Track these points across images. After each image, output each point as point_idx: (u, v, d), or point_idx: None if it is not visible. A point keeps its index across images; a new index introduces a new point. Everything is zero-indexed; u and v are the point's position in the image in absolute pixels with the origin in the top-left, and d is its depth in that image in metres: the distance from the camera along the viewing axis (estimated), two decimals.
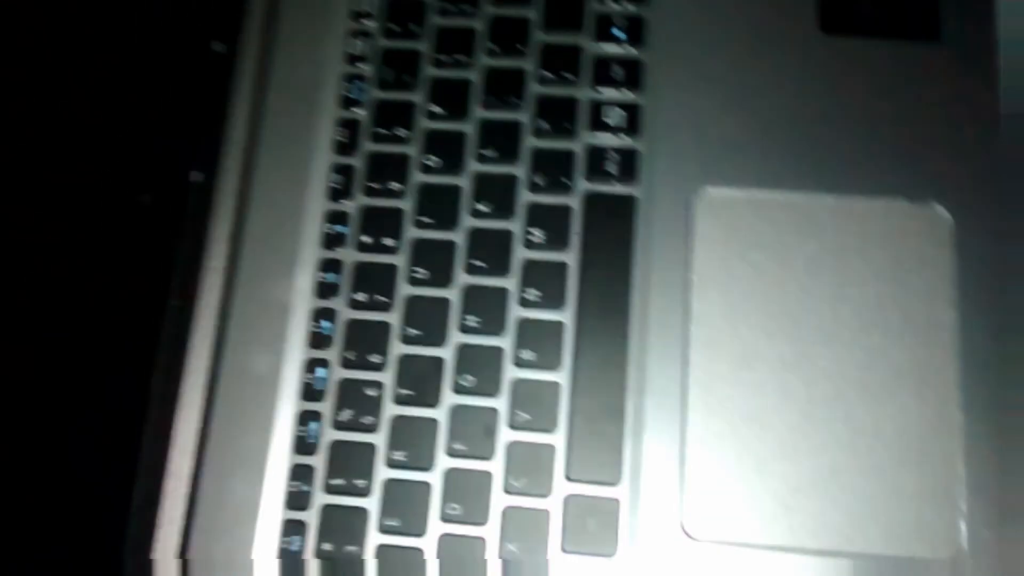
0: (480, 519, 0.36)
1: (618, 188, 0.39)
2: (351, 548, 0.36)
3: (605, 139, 0.40)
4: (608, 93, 0.40)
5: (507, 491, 0.36)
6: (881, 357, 0.36)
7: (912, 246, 0.37)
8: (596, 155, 0.40)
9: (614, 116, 0.40)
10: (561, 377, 0.37)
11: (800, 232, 0.38)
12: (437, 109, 0.41)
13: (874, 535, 0.35)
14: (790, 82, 0.40)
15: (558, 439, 0.37)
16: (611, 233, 0.39)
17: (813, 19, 0.41)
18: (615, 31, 0.41)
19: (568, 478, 0.36)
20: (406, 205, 0.40)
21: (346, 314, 0.39)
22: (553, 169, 0.39)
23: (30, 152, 0.40)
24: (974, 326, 0.37)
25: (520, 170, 0.40)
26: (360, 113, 0.41)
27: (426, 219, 0.39)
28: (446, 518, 0.36)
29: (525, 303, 0.38)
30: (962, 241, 0.37)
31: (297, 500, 0.37)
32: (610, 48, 0.41)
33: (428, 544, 0.36)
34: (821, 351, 0.37)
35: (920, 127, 0.39)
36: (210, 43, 0.42)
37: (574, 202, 0.39)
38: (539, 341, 0.38)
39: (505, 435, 0.37)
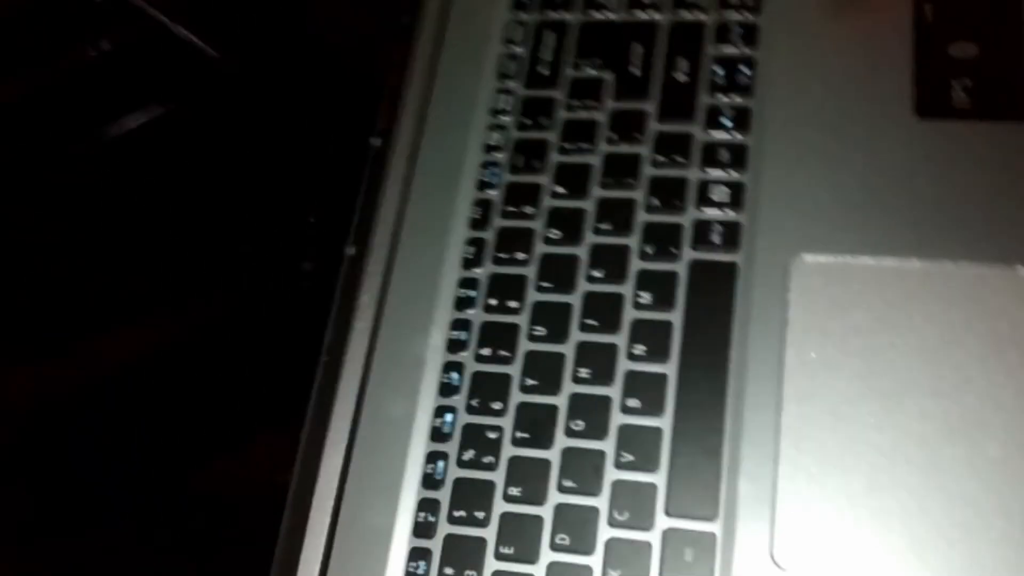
0: (587, 549, 0.39)
1: (721, 256, 0.43)
2: (470, 573, 0.40)
3: (710, 213, 0.44)
4: (714, 173, 0.45)
5: (611, 524, 0.39)
6: (965, 411, 0.38)
7: (999, 306, 0.39)
8: (702, 227, 0.44)
9: (719, 193, 0.44)
10: (663, 423, 0.41)
11: (890, 294, 0.40)
12: (560, 189, 0.46)
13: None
14: (884, 161, 0.43)
15: (659, 478, 0.40)
16: (713, 295, 0.42)
17: (909, 105, 0.44)
18: (723, 120, 0.45)
19: (667, 513, 0.39)
20: (529, 272, 0.45)
21: (472, 367, 0.44)
22: (662, 240, 0.44)
23: (222, 227, 0.48)
24: None
25: (632, 240, 0.44)
26: (493, 194, 0.47)
27: (546, 284, 0.44)
28: (556, 547, 0.40)
29: (633, 357, 0.42)
30: None
31: (423, 529, 0.41)
32: (718, 135, 0.45)
33: (539, 571, 0.39)
34: (908, 404, 0.39)
35: (1009, 197, 0.41)
36: (369, 139, 0.49)
37: (680, 268, 0.43)
38: (644, 391, 0.41)
39: (611, 474, 0.40)
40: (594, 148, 0.46)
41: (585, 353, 0.43)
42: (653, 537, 0.39)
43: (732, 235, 0.43)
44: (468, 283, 0.45)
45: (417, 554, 0.41)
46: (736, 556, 0.38)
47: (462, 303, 0.45)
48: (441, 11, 0.51)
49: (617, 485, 0.40)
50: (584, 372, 0.42)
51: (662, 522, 0.39)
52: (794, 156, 0.44)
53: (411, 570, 0.41)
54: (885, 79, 0.45)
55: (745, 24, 0.48)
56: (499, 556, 0.40)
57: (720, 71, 0.47)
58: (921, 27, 0.45)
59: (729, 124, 0.45)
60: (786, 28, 0.47)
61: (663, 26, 0.49)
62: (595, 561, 0.39)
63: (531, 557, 0.40)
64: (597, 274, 0.44)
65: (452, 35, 0.51)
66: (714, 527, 0.39)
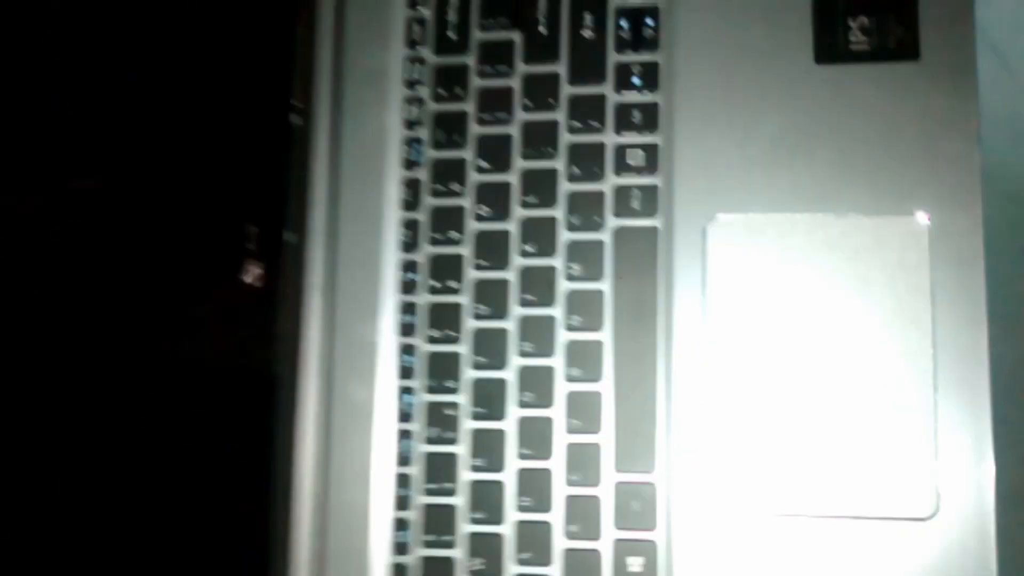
0: (546, 507, 0.45)
1: (641, 221, 0.46)
2: (447, 538, 0.46)
3: (628, 179, 0.46)
4: (629, 137, 0.47)
5: (568, 483, 0.45)
6: (870, 348, 0.43)
7: (897, 251, 0.43)
8: (622, 193, 0.46)
9: (635, 157, 0.46)
10: (604, 387, 0.45)
11: (799, 247, 0.44)
12: (484, 164, 0.48)
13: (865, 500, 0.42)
14: (787, 113, 0.45)
15: (606, 438, 0.45)
16: (638, 261, 0.46)
17: (809, 53, 0.46)
18: (633, 79, 0.47)
19: (616, 469, 0.45)
20: (465, 251, 0.47)
21: (424, 348, 0.47)
22: (586, 209, 0.46)
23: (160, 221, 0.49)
24: (947, 319, 0.43)
25: (559, 212, 0.47)
26: (420, 173, 0.49)
27: (483, 262, 0.47)
28: (520, 508, 0.45)
29: (570, 327, 0.46)
30: (938, 245, 0.43)
31: (403, 503, 0.46)
32: (629, 95, 0.47)
33: (507, 530, 0.45)
34: (820, 346, 0.43)
35: (904, 143, 0.44)
36: (288, 117, 0.49)
37: (606, 236, 0.46)
38: (584, 359, 0.45)
39: (562, 438, 0.45)
40: (511, 117, 0.48)
41: (527, 327, 0.46)
42: (603, 492, 0.45)
43: (650, 199, 0.46)
44: (409, 266, 0.48)
45: (400, 524, 0.46)
46: (676, 503, 0.44)
47: (406, 286, 0.48)
48: None
49: (569, 448, 0.45)
50: (528, 346, 0.46)
51: (610, 477, 0.45)
52: (703, 114, 0.46)
53: (397, 539, 0.46)
54: (785, 26, 0.46)
55: None
56: (472, 520, 0.46)
57: (625, 25, 0.48)
58: None
59: (639, 83, 0.47)
60: None
61: None
62: (556, 517, 0.45)
63: (498, 519, 0.45)
64: (529, 248, 0.47)
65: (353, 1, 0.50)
66: (654, 478, 0.44)
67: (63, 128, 0.52)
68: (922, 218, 0.43)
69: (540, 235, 0.47)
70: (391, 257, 0.48)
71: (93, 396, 0.51)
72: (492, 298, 0.47)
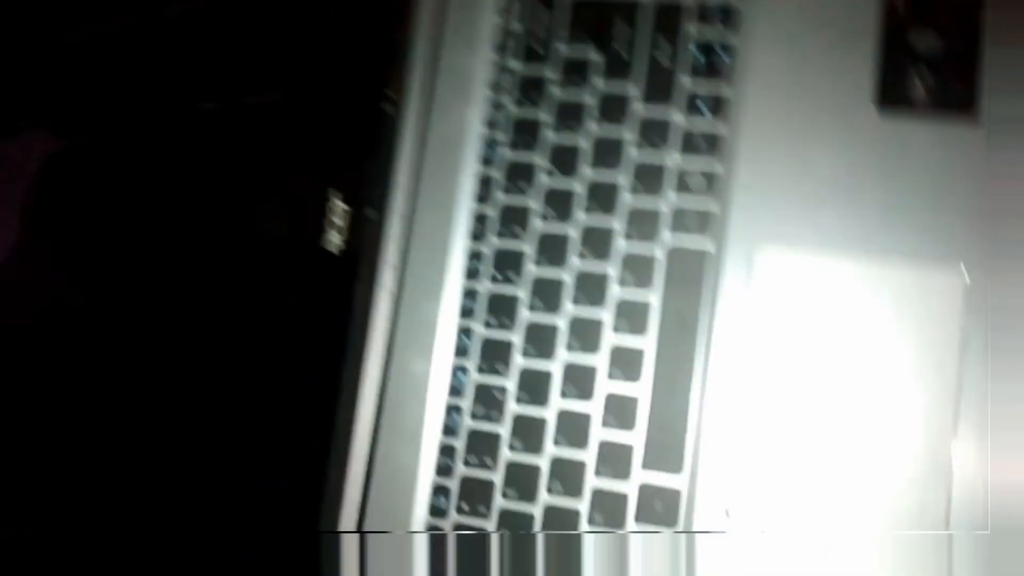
0: (575, 495, 0.49)
1: (695, 243, 0.49)
2: (481, 508, 0.50)
3: (687, 200, 0.50)
4: (692, 160, 0.50)
5: (597, 475, 0.49)
6: (896, 388, 0.46)
7: (934, 299, 0.46)
8: (679, 214, 0.50)
9: (695, 180, 0.50)
10: (641, 391, 0.49)
11: (839, 285, 0.47)
12: (553, 169, 0.51)
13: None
14: (844, 154, 0.48)
15: (637, 437, 0.49)
16: (686, 280, 0.49)
17: (869, 97, 0.48)
18: (701, 106, 0.50)
19: (643, 467, 0.48)
20: (527, 248, 0.51)
21: (480, 332, 0.51)
22: (643, 224, 0.50)
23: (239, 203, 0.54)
24: (975, 370, 0.46)
25: (617, 223, 0.50)
26: (494, 171, 0.52)
27: (542, 260, 0.51)
28: (550, 491, 0.49)
29: (617, 330, 0.49)
30: (974, 298, 0.46)
31: (444, 470, 0.51)
32: (697, 121, 0.50)
33: (537, 510, 0.49)
34: (848, 380, 0.46)
35: (952, 196, 0.47)
36: (381, 105, 0.53)
37: (660, 252, 0.49)
38: (625, 362, 0.49)
39: (597, 433, 0.49)
40: (583, 129, 0.51)
41: (576, 327, 0.50)
42: (630, 488, 0.49)
43: (705, 222, 0.49)
44: (475, 255, 0.52)
45: (439, 491, 0.51)
46: (697, 507, 0.48)
47: (471, 273, 0.52)
48: None
49: (603, 445, 0.49)
50: (575, 343, 0.50)
51: (638, 475, 0.48)
52: (763, 146, 0.49)
53: (435, 503, 0.51)
54: (849, 70, 0.49)
55: (726, 8, 0.51)
56: (505, 496, 0.50)
57: (700, 55, 0.51)
58: (885, 17, 0.49)
59: (706, 111, 0.50)
60: (765, 14, 0.50)
61: (648, 6, 0.52)
62: (583, 505, 0.49)
63: (531, 498, 0.49)
64: (586, 253, 0.50)
65: (451, 5, 0.54)
66: (679, 481, 0.48)
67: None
68: (961, 271, 0.46)
69: (597, 242, 0.50)
70: (459, 244, 0.52)
71: (199, 343, 0.56)
72: (547, 295, 0.51)
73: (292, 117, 0.55)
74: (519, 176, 0.52)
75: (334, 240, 0.54)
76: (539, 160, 0.52)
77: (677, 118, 0.50)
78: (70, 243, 0.56)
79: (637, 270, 0.50)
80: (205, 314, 0.55)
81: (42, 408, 0.56)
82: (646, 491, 0.48)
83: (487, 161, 0.53)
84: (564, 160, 0.51)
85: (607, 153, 0.51)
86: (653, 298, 0.49)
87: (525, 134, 0.52)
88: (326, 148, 0.55)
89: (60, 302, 0.56)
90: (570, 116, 0.52)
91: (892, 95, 0.48)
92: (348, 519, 0.52)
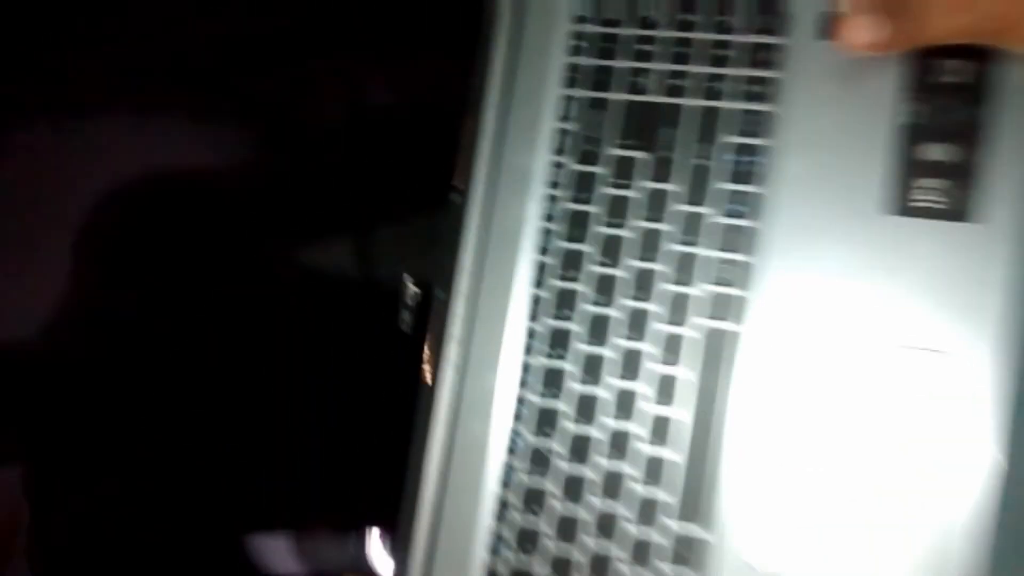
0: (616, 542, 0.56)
1: (728, 325, 0.56)
2: (529, 547, 0.57)
3: (721, 289, 0.56)
4: (726, 254, 0.56)
5: (632, 524, 0.56)
6: (893, 459, 0.52)
7: (927, 382, 0.52)
8: (717, 299, 0.56)
9: (730, 271, 0.56)
10: (676, 455, 0.55)
11: (845, 368, 0.53)
12: (603, 259, 0.58)
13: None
14: (854, 254, 0.54)
15: (673, 494, 0.55)
16: (720, 363, 0.56)
17: (877, 202, 0.54)
18: (736, 207, 0.57)
19: (679, 519, 0.55)
20: (576, 328, 0.58)
21: (535, 403, 0.59)
22: (681, 308, 0.57)
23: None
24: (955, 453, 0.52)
25: (656, 307, 0.57)
26: (549, 258, 0.59)
27: (592, 339, 0.58)
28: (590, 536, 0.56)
29: (658, 401, 0.56)
30: (958, 382, 0.52)
31: (500, 518, 0.58)
32: (730, 220, 0.57)
33: (581, 555, 0.56)
34: (858, 451, 0.53)
35: (950, 292, 0.53)
36: (451, 196, 0.60)
37: (694, 332, 0.56)
38: (662, 429, 0.56)
39: (634, 489, 0.56)
40: (629, 222, 0.58)
41: (620, 397, 0.57)
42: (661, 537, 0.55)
43: (738, 307, 0.56)
44: (530, 333, 0.59)
45: (497, 536, 0.58)
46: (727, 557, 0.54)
47: (527, 349, 0.59)
48: (503, 88, 0.62)
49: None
50: (619, 412, 0.57)
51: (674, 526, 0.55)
52: (791, 242, 0.55)
53: (493, 546, 0.58)
54: (861, 178, 0.55)
55: (762, 113, 0.57)
56: (549, 539, 0.57)
57: (735, 160, 0.57)
58: (895, 128, 0.55)
59: (739, 211, 0.56)
60: (801, 119, 0.57)
61: (693, 111, 0.59)
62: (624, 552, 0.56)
63: (572, 541, 0.57)
64: (630, 334, 0.57)
65: (515, 108, 0.61)
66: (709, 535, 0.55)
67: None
68: (951, 357, 0.52)
69: (638, 323, 0.57)
70: (518, 324, 0.60)
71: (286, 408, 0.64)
72: (593, 369, 0.58)
73: (370, 209, 0.63)
74: (571, 264, 0.59)
75: (406, 319, 0.61)
76: (590, 249, 0.59)
77: (712, 216, 0.57)
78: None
79: (674, 350, 0.57)
80: (291, 388, 0.63)
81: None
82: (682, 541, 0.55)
83: (543, 250, 0.60)
84: (611, 249, 0.58)
85: (650, 244, 0.58)
86: (691, 376, 0.56)
87: (577, 226, 0.59)
88: (400, 235, 0.63)
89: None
90: (618, 210, 0.59)
91: (896, 201, 0.54)
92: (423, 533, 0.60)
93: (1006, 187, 0.53)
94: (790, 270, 0.56)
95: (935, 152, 0.54)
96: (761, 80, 0.57)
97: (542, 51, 0.62)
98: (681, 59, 0.59)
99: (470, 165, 0.61)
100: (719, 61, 0.58)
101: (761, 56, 0.58)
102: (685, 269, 0.57)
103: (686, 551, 0.55)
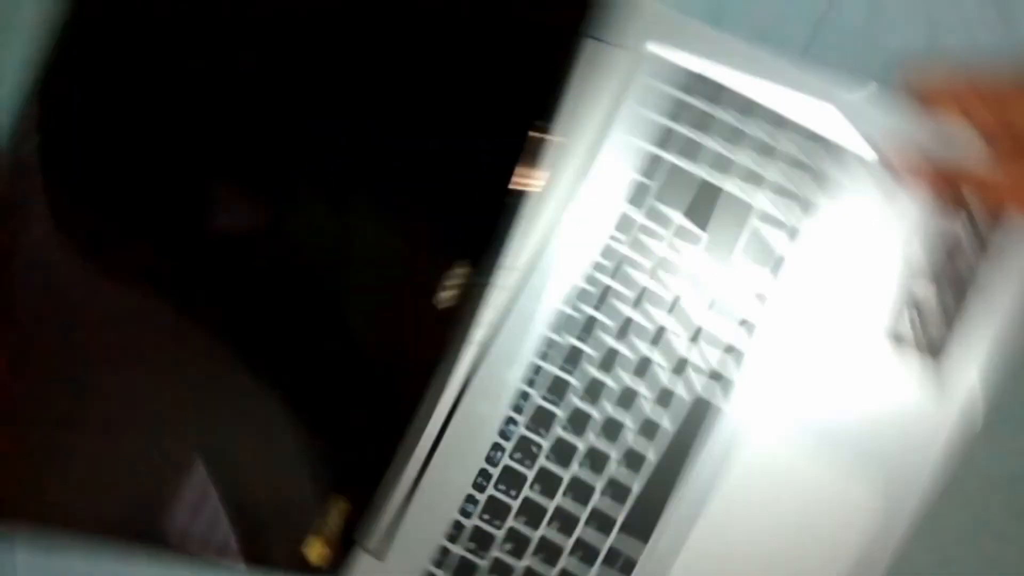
0: (567, 535, 0.67)
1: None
2: (496, 522, 0.67)
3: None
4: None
5: (585, 526, 0.67)
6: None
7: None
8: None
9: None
10: (637, 481, 0.66)
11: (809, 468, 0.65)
12: (618, 334, 0.67)
13: None
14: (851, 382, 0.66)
15: (623, 511, 0.67)
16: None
17: (881, 332, 0.66)
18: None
19: (620, 531, 0.67)
20: (594, 353, 0.67)
21: (535, 400, 0.68)
22: (682, 368, 0.67)
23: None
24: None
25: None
26: (589, 287, 0.68)
27: (601, 368, 0.67)
28: (548, 526, 0.67)
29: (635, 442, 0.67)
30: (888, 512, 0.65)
31: (478, 487, 0.68)
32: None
33: (535, 536, 0.67)
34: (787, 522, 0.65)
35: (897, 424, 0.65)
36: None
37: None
38: (634, 459, 0.66)
39: (595, 501, 0.67)
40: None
41: (606, 425, 0.67)
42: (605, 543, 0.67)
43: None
44: (552, 343, 0.68)
45: (469, 500, 0.68)
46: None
47: (543, 356, 0.68)
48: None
49: (593, 512, 0.67)
50: (603, 434, 0.67)
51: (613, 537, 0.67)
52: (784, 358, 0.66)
53: (463, 508, 0.68)
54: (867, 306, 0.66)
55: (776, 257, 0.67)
56: (515, 519, 0.67)
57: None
58: (900, 266, 0.66)
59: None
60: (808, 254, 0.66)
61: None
62: (567, 544, 0.67)
63: (535, 526, 0.68)
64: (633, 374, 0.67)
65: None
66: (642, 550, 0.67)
67: None
68: (877, 493, 0.66)
69: (642, 369, 0.67)
70: (540, 332, 0.68)
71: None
72: (594, 392, 0.67)
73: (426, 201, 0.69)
74: (602, 301, 0.68)
75: (442, 297, 0.68)
76: (604, 318, 0.68)
77: None
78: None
79: (664, 401, 0.67)
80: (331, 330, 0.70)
81: None
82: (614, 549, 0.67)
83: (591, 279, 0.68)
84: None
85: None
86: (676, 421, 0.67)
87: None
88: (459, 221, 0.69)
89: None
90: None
91: (893, 332, 0.66)
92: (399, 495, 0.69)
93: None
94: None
95: (924, 289, 0.66)
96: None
97: None
98: None
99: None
100: None
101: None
102: (692, 335, 0.67)
103: (617, 557, 0.67)
